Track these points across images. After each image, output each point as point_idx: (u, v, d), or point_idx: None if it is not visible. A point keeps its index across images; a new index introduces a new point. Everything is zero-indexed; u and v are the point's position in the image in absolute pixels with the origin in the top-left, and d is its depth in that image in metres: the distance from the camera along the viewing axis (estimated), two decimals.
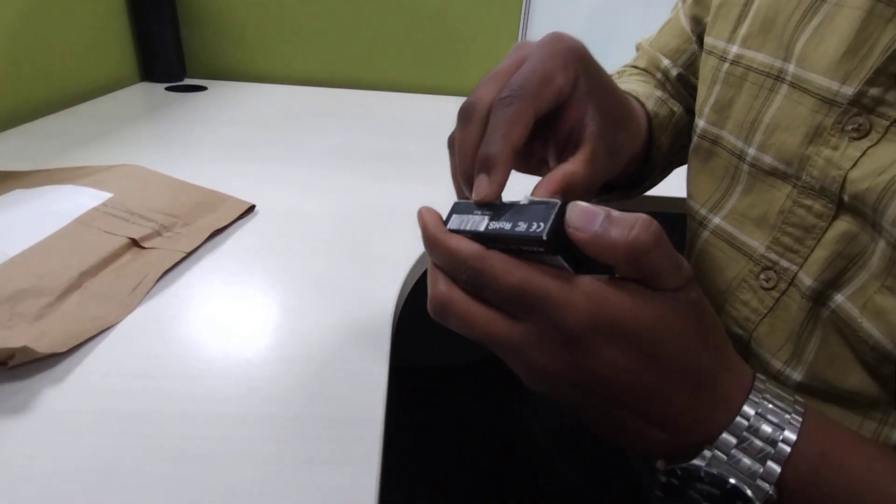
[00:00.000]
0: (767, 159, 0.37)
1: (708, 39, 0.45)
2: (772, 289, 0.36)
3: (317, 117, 0.96)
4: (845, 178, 0.32)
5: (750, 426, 0.25)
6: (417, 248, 0.52)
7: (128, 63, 1.06)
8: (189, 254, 0.49)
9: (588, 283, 0.23)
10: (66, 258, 0.44)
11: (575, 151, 0.29)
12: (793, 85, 0.36)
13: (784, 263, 0.36)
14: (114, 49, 1.02)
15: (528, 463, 0.52)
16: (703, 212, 0.43)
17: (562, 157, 0.30)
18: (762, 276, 0.37)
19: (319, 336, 0.41)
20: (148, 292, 0.43)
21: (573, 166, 0.28)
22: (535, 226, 0.23)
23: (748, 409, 0.25)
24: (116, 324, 0.40)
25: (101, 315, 0.40)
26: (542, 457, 0.52)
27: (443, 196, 0.64)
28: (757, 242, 0.38)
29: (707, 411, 0.25)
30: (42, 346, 0.35)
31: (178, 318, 0.41)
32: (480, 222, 0.25)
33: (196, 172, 0.63)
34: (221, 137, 0.80)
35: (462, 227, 0.25)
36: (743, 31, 0.41)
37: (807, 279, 0.34)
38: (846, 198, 0.32)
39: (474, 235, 0.25)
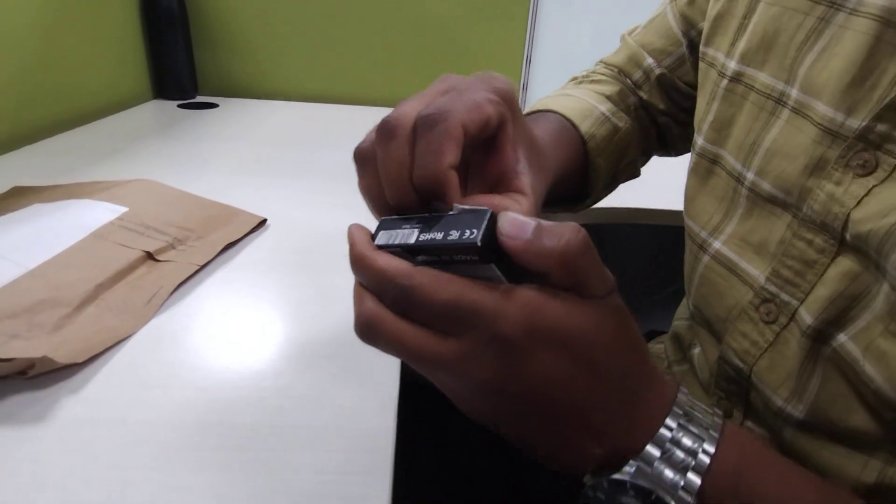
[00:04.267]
0: (766, 185, 0.36)
1: (708, 51, 0.44)
2: (772, 322, 0.35)
3: (326, 133, 0.97)
4: (848, 216, 0.30)
5: (672, 438, 0.25)
6: None
7: (141, 81, 1.09)
8: (202, 267, 0.50)
9: (522, 293, 0.23)
10: (84, 270, 0.45)
11: (514, 192, 0.28)
12: (795, 110, 0.34)
13: (784, 297, 0.35)
14: (128, 68, 1.05)
15: (537, 471, 0.52)
16: (703, 234, 0.42)
17: (493, 192, 0.29)
18: (762, 309, 0.36)
19: (331, 348, 0.41)
20: (162, 304, 0.44)
21: (514, 207, 0.27)
22: (467, 233, 0.22)
23: (670, 421, 0.25)
24: (132, 335, 0.41)
25: (117, 326, 0.41)
26: None
27: None
28: (757, 271, 0.37)
29: (635, 420, 0.25)
30: (61, 356, 0.36)
31: (192, 330, 0.42)
32: (410, 235, 0.24)
33: (208, 187, 0.64)
34: (232, 153, 0.82)
35: (391, 242, 0.24)
36: (741, 46, 0.39)
37: (808, 318, 0.33)
38: (848, 237, 0.31)
39: (404, 249, 0.24)
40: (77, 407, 0.34)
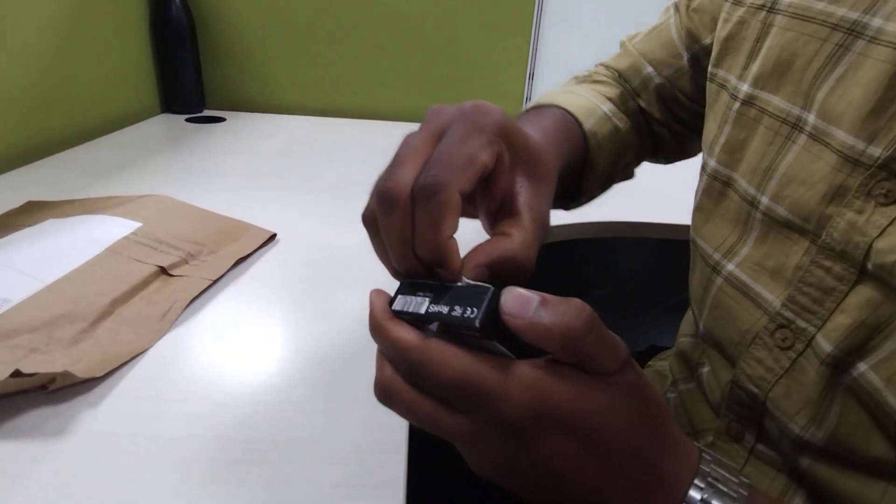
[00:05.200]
0: (781, 211, 0.36)
1: (718, 72, 0.43)
2: (788, 348, 0.35)
3: (333, 147, 0.99)
4: (870, 246, 0.30)
5: None
6: None
7: (150, 95, 1.10)
8: (215, 281, 0.50)
9: (526, 373, 0.23)
10: (100, 285, 0.45)
11: (509, 216, 0.29)
12: (812, 136, 0.34)
13: (801, 323, 0.34)
14: (137, 82, 1.06)
15: None
16: (716, 256, 0.41)
17: (496, 219, 0.30)
18: (777, 335, 0.35)
19: (343, 362, 0.42)
20: (177, 318, 0.45)
21: (508, 244, 0.27)
22: (469, 311, 0.23)
23: (694, 495, 0.25)
24: (148, 349, 0.41)
25: (133, 340, 0.42)
26: None
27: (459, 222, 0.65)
28: (772, 296, 0.36)
29: (656, 495, 0.25)
30: (80, 371, 0.36)
31: (206, 344, 0.43)
32: (421, 304, 0.25)
33: (217, 201, 0.65)
34: (240, 167, 0.83)
35: (405, 309, 0.26)
36: (755, 69, 0.38)
37: (826, 345, 0.32)
38: (870, 266, 0.30)
39: (415, 318, 0.25)
40: (96, 421, 0.35)
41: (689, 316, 0.53)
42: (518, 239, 0.28)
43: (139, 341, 0.42)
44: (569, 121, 0.47)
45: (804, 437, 0.34)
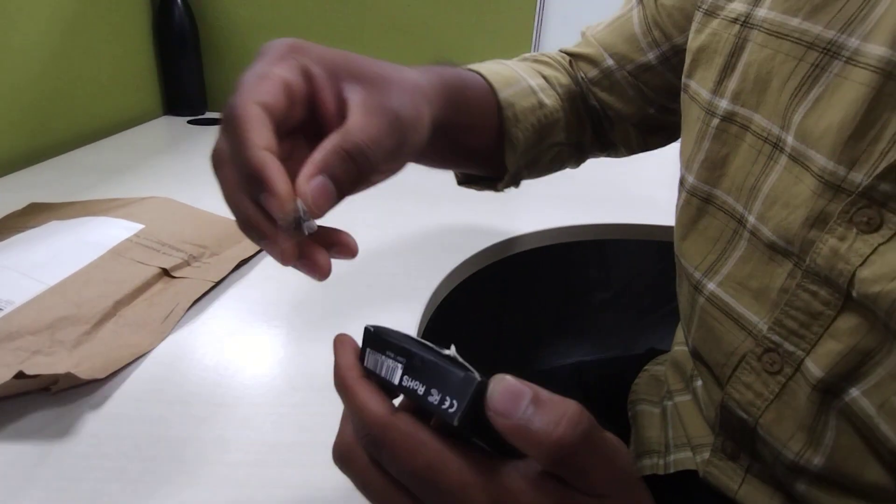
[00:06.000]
0: (766, 232, 0.35)
1: (690, 83, 0.42)
2: (777, 373, 0.34)
3: None
4: (853, 274, 0.29)
5: None
6: (436, 278, 0.54)
7: (152, 97, 1.10)
8: (217, 283, 0.51)
9: (498, 479, 0.20)
10: (102, 287, 0.46)
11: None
12: (793, 158, 0.33)
13: (788, 347, 0.33)
14: (139, 84, 1.07)
15: None
16: (696, 275, 0.40)
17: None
18: (765, 359, 0.35)
19: None
20: (179, 320, 0.45)
21: (343, 135, 0.26)
22: (448, 402, 0.20)
23: None
24: (150, 351, 0.42)
25: (136, 342, 0.42)
26: None
27: (462, 224, 0.65)
28: (756, 318, 0.36)
29: None
30: (83, 372, 0.36)
31: (209, 346, 0.43)
32: (395, 371, 0.22)
33: (219, 203, 0.65)
34: None
35: (377, 371, 0.23)
36: (733, 85, 0.37)
37: (817, 371, 0.32)
38: (855, 294, 0.30)
39: (388, 386, 0.22)
40: (99, 423, 0.35)
41: (684, 328, 0.52)
42: (355, 125, 0.26)
43: (142, 343, 0.42)
44: (477, 85, 0.43)
45: (799, 462, 0.33)
